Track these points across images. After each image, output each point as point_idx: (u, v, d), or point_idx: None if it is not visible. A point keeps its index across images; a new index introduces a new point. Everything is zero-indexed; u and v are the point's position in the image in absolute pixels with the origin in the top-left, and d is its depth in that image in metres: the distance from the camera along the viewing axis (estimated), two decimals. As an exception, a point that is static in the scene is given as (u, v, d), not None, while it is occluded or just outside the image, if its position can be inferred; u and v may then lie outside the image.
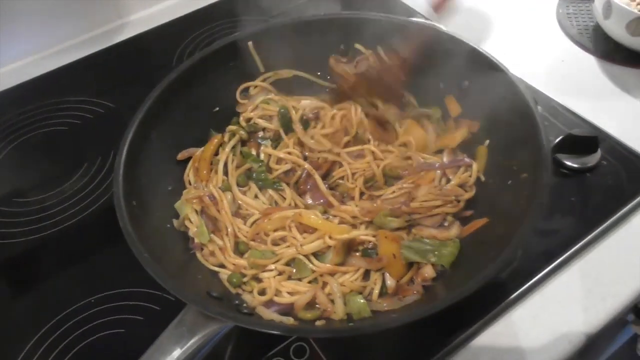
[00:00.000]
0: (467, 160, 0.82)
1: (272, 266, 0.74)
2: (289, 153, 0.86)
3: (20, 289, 0.83)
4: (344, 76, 0.91)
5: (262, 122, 0.91)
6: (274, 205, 0.82)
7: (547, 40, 1.13)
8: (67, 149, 1.04)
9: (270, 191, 0.83)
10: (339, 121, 0.88)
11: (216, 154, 0.88)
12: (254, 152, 0.88)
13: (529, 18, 1.19)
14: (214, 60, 0.91)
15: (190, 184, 0.85)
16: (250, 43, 0.93)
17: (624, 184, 0.86)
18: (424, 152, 0.86)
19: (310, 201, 0.82)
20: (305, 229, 0.76)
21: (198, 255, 0.77)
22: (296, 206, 0.81)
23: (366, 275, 0.74)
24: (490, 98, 0.81)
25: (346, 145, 0.87)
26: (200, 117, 0.91)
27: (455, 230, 0.76)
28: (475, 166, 0.81)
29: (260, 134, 0.91)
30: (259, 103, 0.93)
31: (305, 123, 0.89)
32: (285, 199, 0.83)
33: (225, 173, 0.86)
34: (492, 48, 0.96)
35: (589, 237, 0.80)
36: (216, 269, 0.76)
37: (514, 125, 0.77)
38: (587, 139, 0.88)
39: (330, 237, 0.74)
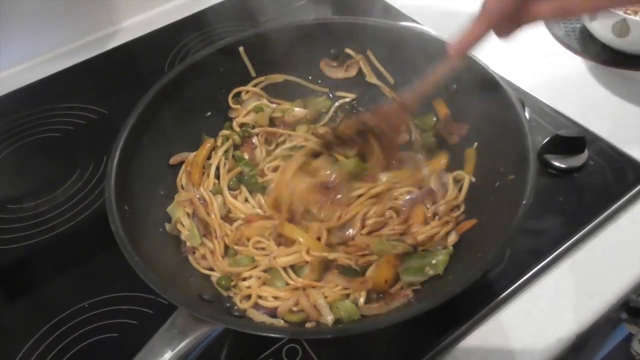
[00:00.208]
0: (447, 186, 0.81)
1: (248, 273, 0.75)
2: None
3: (14, 295, 0.84)
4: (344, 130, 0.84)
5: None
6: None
7: (534, 42, 1.14)
8: (60, 155, 1.04)
9: (260, 195, 0.84)
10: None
11: (208, 158, 0.89)
12: (246, 156, 0.89)
13: (517, 20, 1.20)
14: (205, 66, 0.91)
15: (182, 187, 0.86)
16: (241, 48, 0.94)
17: (610, 184, 0.87)
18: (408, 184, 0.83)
19: None
20: (285, 240, 0.76)
21: (190, 258, 0.78)
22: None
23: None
24: (478, 101, 0.82)
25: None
26: (192, 122, 0.91)
27: (452, 237, 0.76)
28: (464, 184, 0.81)
29: (255, 139, 0.92)
30: (251, 109, 0.93)
31: None
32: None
33: (217, 177, 0.87)
34: (480, 50, 0.97)
35: (577, 236, 0.81)
36: (207, 272, 0.77)
37: (501, 127, 0.78)
38: (574, 140, 0.89)
39: (307, 253, 0.74)
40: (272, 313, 0.71)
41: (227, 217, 0.82)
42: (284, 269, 0.74)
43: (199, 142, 0.91)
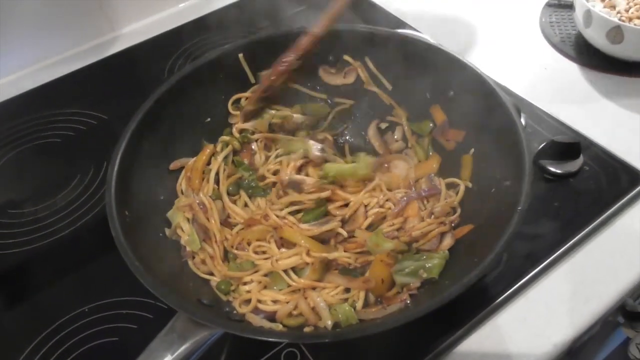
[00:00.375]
0: (439, 187, 0.83)
1: (249, 278, 0.76)
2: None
3: (15, 299, 0.84)
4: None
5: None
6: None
7: (531, 49, 1.15)
8: (60, 160, 1.05)
9: (259, 199, 0.85)
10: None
11: (208, 163, 0.90)
12: (246, 162, 0.90)
13: (513, 27, 1.22)
14: (204, 72, 0.92)
15: (182, 193, 0.86)
16: (240, 55, 0.95)
17: (605, 189, 0.88)
18: (401, 186, 0.86)
19: None
20: (285, 242, 0.77)
21: (189, 263, 0.79)
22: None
23: (347, 289, 0.74)
24: (474, 107, 0.83)
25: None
26: (192, 128, 0.92)
27: (448, 240, 0.77)
28: (460, 189, 0.82)
29: (254, 145, 0.93)
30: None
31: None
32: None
33: (217, 182, 0.87)
34: (476, 57, 0.99)
35: (573, 240, 0.81)
36: (207, 276, 0.77)
37: (497, 133, 0.79)
38: (570, 145, 0.90)
39: (308, 254, 0.75)
40: (271, 317, 0.71)
41: (227, 222, 0.83)
42: (285, 271, 0.75)
43: (199, 147, 0.91)
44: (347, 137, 0.99)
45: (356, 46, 0.96)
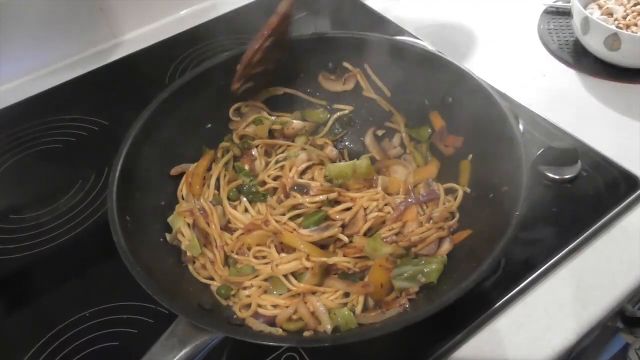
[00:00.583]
0: (437, 192, 0.84)
1: (249, 282, 0.76)
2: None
3: (16, 304, 0.84)
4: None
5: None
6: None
7: (529, 55, 1.16)
8: (62, 166, 1.05)
9: (259, 205, 0.86)
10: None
11: (209, 169, 0.90)
12: (246, 167, 0.91)
13: (511, 34, 1.23)
14: (205, 79, 0.92)
15: (183, 198, 0.87)
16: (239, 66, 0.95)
17: (603, 194, 0.88)
18: (400, 191, 0.87)
19: None
20: (285, 247, 0.78)
21: (190, 268, 0.79)
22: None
23: (346, 293, 0.75)
24: (472, 114, 0.84)
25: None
26: (192, 134, 0.92)
27: (446, 245, 0.77)
28: (459, 194, 0.83)
29: (254, 150, 0.93)
30: (250, 121, 0.95)
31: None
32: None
33: (218, 188, 0.88)
34: (475, 63, 0.99)
35: (571, 246, 0.82)
36: (207, 281, 0.78)
37: (495, 139, 0.79)
38: (568, 151, 0.90)
39: (307, 259, 0.75)
40: (271, 322, 0.72)
41: (227, 227, 0.84)
42: (285, 276, 0.75)
43: (199, 153, 0.92)
44: (347, 143, 0.99)
45: (355, 53, 0.97)
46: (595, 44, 1.06)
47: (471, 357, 0.73)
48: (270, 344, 0.64)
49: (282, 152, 0.94)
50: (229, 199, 0.86)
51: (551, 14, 1.25)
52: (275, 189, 0.87)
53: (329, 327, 0.69)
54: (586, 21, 1.04)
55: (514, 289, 0.78)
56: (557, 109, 1.02)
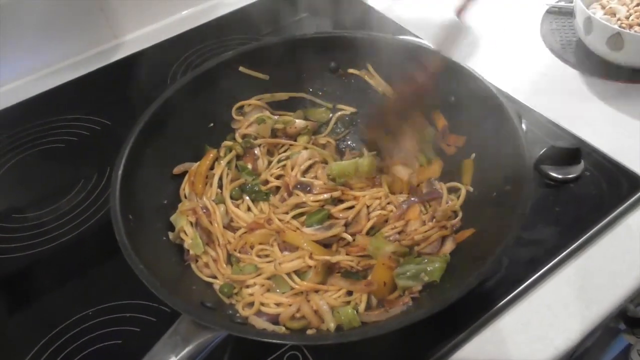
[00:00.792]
0: (440, 191, 0.84)
1: (252, 281, 0.76)
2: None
3: (19, 303, 0.85)
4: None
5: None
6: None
7: (532, 55, 1.16)
8: (64, 166, 1.05)
9: (262, 204, 0.86)
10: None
11: (211, 168, 0.90)
12: (249, 166, 0.91)
13: (514, 34, 1.23)
14: (207, 78, 0.93)
15: (185, 197, 0.87)
16: (241, 68, 0.96)
17: (606, 194, 0.88)
18: (403, 190, 0.87)
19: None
20: (288, 246, 0.78)
21: (193, 266, 0.79)
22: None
23: (349, 292, 0.75)
24: (475, 113, 0.84)
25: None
26: (195, 133, 0.93)
27: (449, 245, 0.77)
28: (462, 193, 0.83)
29: (257, 150, 0.93)
30: (253, 120, 0.95)
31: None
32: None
33: (220, 187, 0.88)
34: (478, 63, 0.99)
35: (574, 245, 0.82)
36: (210, 279, 0.78)
37: (498, 139, 0.79)
38: (570, 151, 0.90)
39: (310, 257, 0.75)
40: (274, 320, 0.72)
41: (229, 226, 0.84)
42: (288, 274, 0.75)
43: (202, 152, 0.92)
44: (349, 142, 0.99)
45: (358, 52, 0.97)
46: (598, 44, 1.05)
47: (474, 356, 0.73)
48: (274, 341, 0.64)
49: (285, 151, 0.95)
50: (231, 197, 0.86)
51: (554, 14, 1.25)
52: (277, 188, 0.87)
53: (332, 326, 0.69)
54: (589, 21, 1.04)
55: (517, 288, 0.78)
56: (559, 109, 1.01)
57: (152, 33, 1.34)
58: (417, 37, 1.18)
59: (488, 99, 0.82)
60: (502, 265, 0.79)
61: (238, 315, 0.72)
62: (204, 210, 0.82)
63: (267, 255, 0.79)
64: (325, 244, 0.78)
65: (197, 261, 0.80)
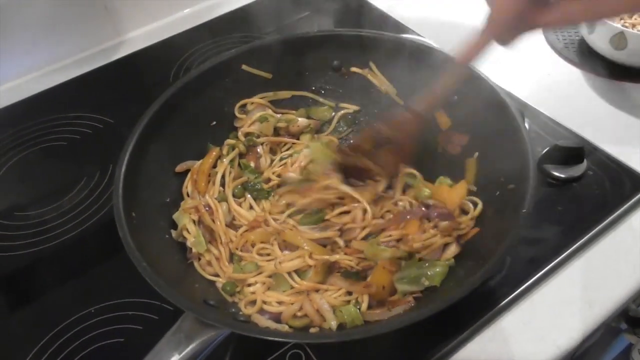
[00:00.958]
0: (448, 214, 0.78)
1: (253, 279, 0.76)
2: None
3: (21, 301, 0.85)
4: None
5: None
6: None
7: (534, 54, 1.16)
8: (66, 164, 1.05)
9: (264, 202, 0.86)
10: None
11: (214, 166, 0.90)
12: (252, 164, 0.91)
13: (517, 33, 1.22)
14: (210, 77, 0.93)
15: (188, 195, 0.87)
16: (244, 66, 0.96)
17: (609, 194, 0.88)
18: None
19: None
20: (288, 245, 0.78)
21: (195, 264, 0.79)
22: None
23: (349, 291, 0.74)
24: (478, 112, 0.83)
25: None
26: (197, 131, 0.93)
27: (453, 249, 0.76)
28: (479, 208, 0.80)
29: (259, 148, 0.93)
30: (256, 119, 0.95)
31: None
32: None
33: (223, 185, 0.88)
34: (480, 62, 0.99)
35: (576, 245, 0.82)
36: (213, 278, 0.78)
37: (501, 138, 0.79)
38: (573, 150, 0.90)
39: (310, 257, 0.75)
40: (276, 318, 0.72)
41: (232, 224, 0.84)
42: (289, 273, 0.75)
43: (204, 150, 0.92)
44: (352, 141, 0.99)
45: (360, 51, 0.97)
46: (601, 43, 1.05)
47: (476, 356, 0.73)
48: (277, 339, 0.64)
49: (287, 149, 0.95)
50: (234, 195, 0.86)
51: (556, 13, 1.24)
52: (279, 186, 0.87)
53: (333, 324, 0.69)
54: (592, 20, 1.03)
55: (520, 287, 0.78)
56: (562, 108, 1.01)
57: (155, 31, 1.34)
58: (419, 35, 1.18)
59: (491, 97, 0.81)
60: (505, 264, 0.79)
61: (241, 313, 0.72)
62: (207, 208, 0.82)
63: (268, 254, 0.79)
64: (324, 244, 0.78)
65: (199, 259, 0.80)
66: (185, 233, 0.81)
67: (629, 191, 0.88)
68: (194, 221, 0.81)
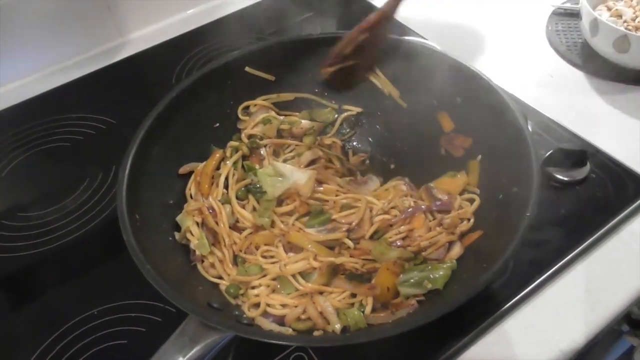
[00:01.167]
0: (451, 203, 0.81)
1: (257, 282, 0.76)
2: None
3: (24, 302, 0.85)
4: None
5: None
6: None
7: (537, 57, 1.16)
8: (69, 164, 1.05)
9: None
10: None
11: (217, 168, 0.90)
12: (256, 167, 0.91)
13: (519, 35, 1.23)
14: (213, 78, 0.93)
15: (191, 197, 0.87)
16: (247, 68, 0.96)
17: (612, 197, 0.88)
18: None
19: None
20: (293, 247, 0.78)
21: (199, 267, 0.79)
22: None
23: (353, 294, 0.74)
24: (482, 114, 0.84)
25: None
26: (200, 133, 0.93)
27: (457, 249, 0.77)
28: (475, 202, 0.82)
29: (262, 150, 0.93)
30: (259, 121, 0.95)
31: None
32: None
33: (226, 187, 0.88)
34: (484, 64, 0.99)
35: (580, 248, 0.82)
36: (216, 280, 0.78)
37: (504, 140, 0.79)
38: (576, 153, 0.90)
39: (315, 259, 0.75)
40: (280, 321, 0.72)
41: (235, 226, 0.84)
42: (293, 275, 0.75)
43: (207, 152, 0.92)
44: (354, 143, 0.99)
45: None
46: (604, 46, 1.05)
47: (479, 359, 0.73)
48: (281, 343, 0.64)
49: (290, 151, 0.94)
50: (237, 198, 0.86)
51: (559, 15, 1.25)
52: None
53: (337, 327, 0.69)
54: (595, 23, 1.03)
55: (522, 291, 0.78)
56: (565, 111, 1.01)
57: (158, 32, 1.34)
58: (421, 37, 1.18)
59: (494, 100, 0.81)
60: (508, 267, 0.79)
61: (244, 316, 0.72)
62: (210, 211, 0.82)
63: (272, 256, 0.79)
64: (329, 247, 0.78)
65: (203, 262, 0.80)
66: (188, 235, 0.81)
67: (632, 194, 0.88)
68: (197, 223, 0.81)
